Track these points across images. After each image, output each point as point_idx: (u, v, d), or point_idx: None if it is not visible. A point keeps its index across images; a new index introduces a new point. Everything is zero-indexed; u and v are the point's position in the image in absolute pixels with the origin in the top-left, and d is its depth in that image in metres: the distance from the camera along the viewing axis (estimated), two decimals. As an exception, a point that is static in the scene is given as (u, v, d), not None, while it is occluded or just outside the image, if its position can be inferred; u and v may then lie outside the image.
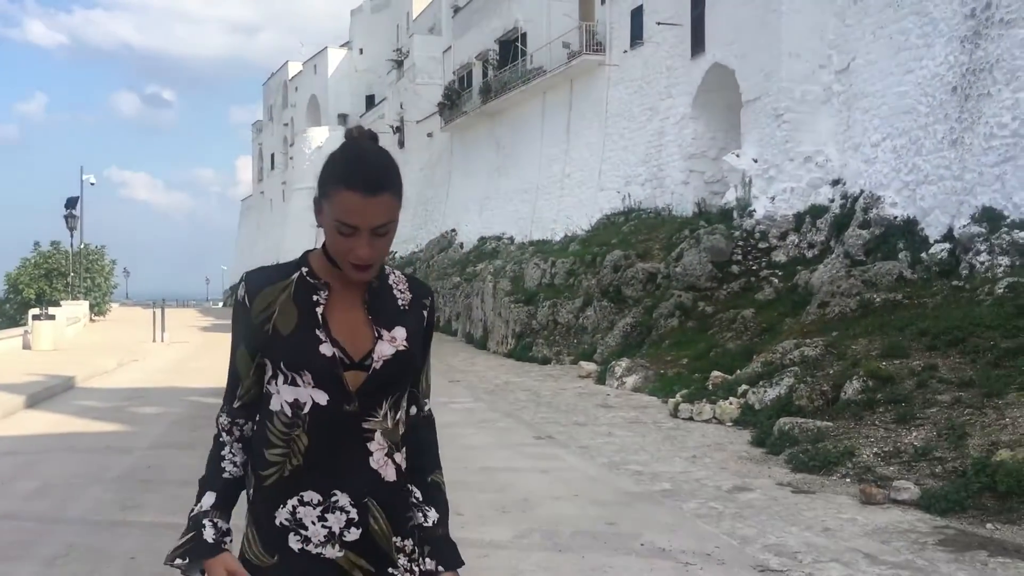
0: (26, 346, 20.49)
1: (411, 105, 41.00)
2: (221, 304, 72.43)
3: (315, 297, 1.84)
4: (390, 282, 1.93)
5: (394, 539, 1.88)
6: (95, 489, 6.97)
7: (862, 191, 14.85)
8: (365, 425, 1.84)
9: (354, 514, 1.83)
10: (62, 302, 28.91)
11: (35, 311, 22.49)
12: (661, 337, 15.15)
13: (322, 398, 1.81)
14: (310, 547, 1.83)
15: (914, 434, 7.21)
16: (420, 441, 2.00)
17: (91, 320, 33.86)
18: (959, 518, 5.75)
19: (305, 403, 1.82)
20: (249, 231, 74.64)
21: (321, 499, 1.83)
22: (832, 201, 15.83)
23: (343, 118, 51.73)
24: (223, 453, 1.91)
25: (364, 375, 1.82)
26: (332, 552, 1.83)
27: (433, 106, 37.30)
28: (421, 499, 1.96)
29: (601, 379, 13.81)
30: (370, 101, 51.52)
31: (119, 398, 12.71)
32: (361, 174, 1.77)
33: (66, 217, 31.21)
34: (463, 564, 1.97)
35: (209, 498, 1.87)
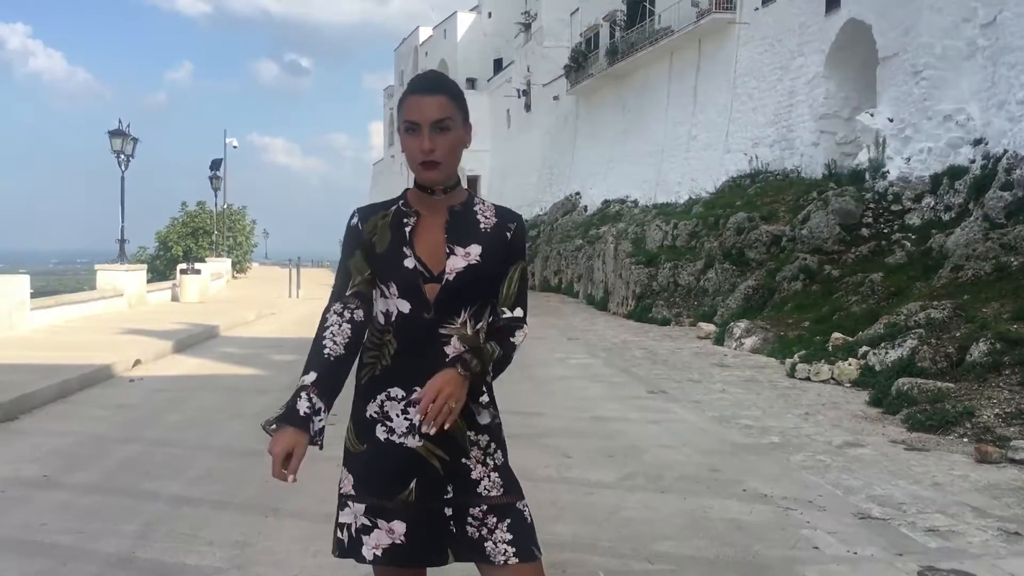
0: (174, 298, 21.95)
1: (538, 68, 41.06)
2: (353, 265, 74.75)
3: (405, 221, 2.15)
4: (475, 208, 2.21)
5: (468, 433, 2.13)
6: (235, 423, 7.55)
7: (1005, 151, 14.12)
8: (442, 331, 2.10)
9: None
10: (207, 259, 30.61)
11: (183, 266, 23.97)
12: (783, 300, 14.92)
13: (405, 307, 2.11)
14: (394, 437, 2.12)
15: (1040, 397, 6.98)
16: (496, 330, 2.17)
17: (233, 277, 35.69)
18: (1079, 479, 5.60)
19: (393, 312, 2.13)
20: (380, 194, 76.53)
21: (404, 395, 2.11)
22: (972, 162, 15.13)
23: (471, 82, 52.22)
24: (325, 332, 2.15)
25: (440, 287, 2.10)
26: (412, 442, 2.11)
27: (560, 69, 37.27)
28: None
29: (719, 340, 13.75)
30: (497, 65, 51.78)
31: (258, 346, 13.53)
32: (418, 80, 2.16)
33: (210, 178, 32.95)
34: (472, 369, 2.04)
35: (310, 376, 2.11)
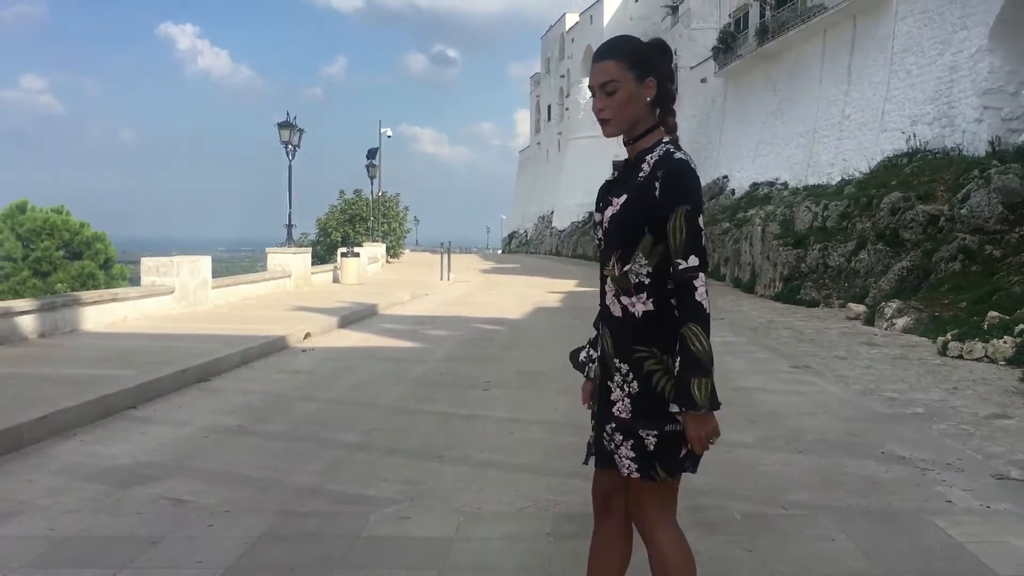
0: (335, 280, 23.33)
1: (685, 51, 40.69)
2: (500, 251, 76.11)
3: (613, 174, 2.59)
4: (646, 158, 2.42)
5: (615, 360, 2.47)
6: (398, 387, 8.22)
7: None
8: (603, 272, 2.51)
9: (602, 337, 2.56)
10: (363, 244, 32.09)
11: (343, 250, 25.36)
12: (940, 281, 14.50)
13: None
14: (593, 355, 2.65)
15: None
16: (680, 298, 2.34)
17: (387, 261, 37.21)
18: None
19: None
20: (526, 181, 77.55)
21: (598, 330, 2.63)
22: None
23: (617, 67, 52.12)
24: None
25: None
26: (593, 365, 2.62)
27: (707, 51, 36.87)
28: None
29: (869, 321, 13.54)
30: (644, 49, 51.46)
31: (414, 323, 14.34)
32: (598, 47, 2.50)
33: (367, 167, 34.46)
34: (695, 407, 2.24)
35: None
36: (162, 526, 4.19)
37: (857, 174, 22.33)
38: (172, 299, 13.78)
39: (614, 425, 2.45)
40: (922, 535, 4.01)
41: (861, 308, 14.62)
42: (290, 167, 20.92)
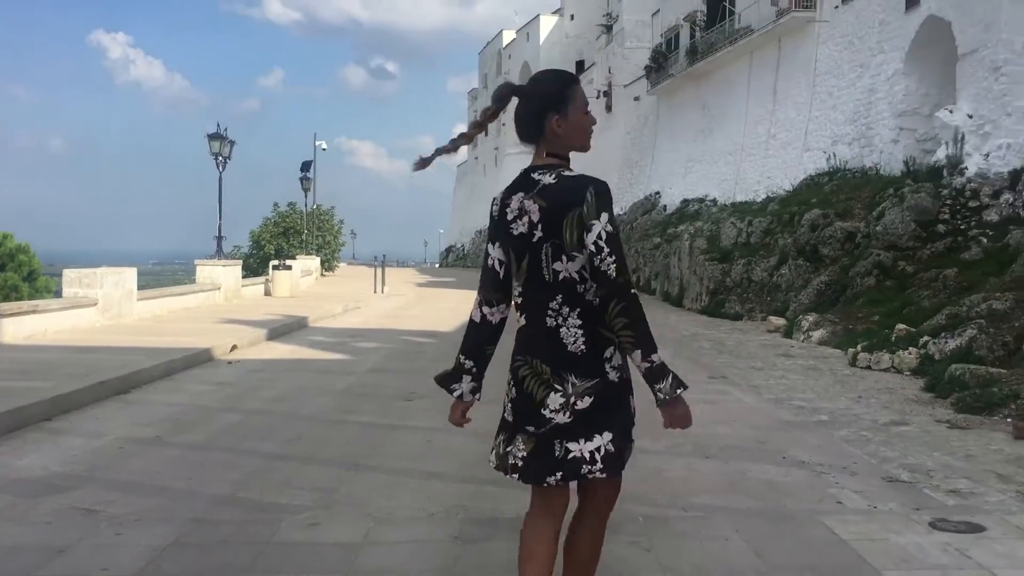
0: (267, 292, 23.11)
1: (619, 69, 41.35)
2: (438, 265, 76.05)
3: None
4: None
5: None
6: (322, 398, 8.25)
7: (1086, 146, 13.96)
8: None
9: None
10: (297, 257, 31.81)
11: (275, 262, 25.13)
12: (855, 296, 15.02)
13: None
14: None
15: (1089, 382, 7.16)
16: None
17: (321, 275, 36.91)
18: (1113, 455, 5.81)
19: None
20: (464, 196, 77.74)
21: None
22: (1053, 158, 14.96)
23: (553, 84, 52.60)
24: None
25: None
26: None
27: (640, 69, 37.50)
28: None
29: (788, 333, 13.97)
30: (579, 66, 52.18)
31: (344, 335, 14.33)
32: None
33: (301, 179, 34.23)
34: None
35: None
36: (70, 535, 4.19)
37: (781, 192, 22.98)
38: (95, 311, 13.56)
39: None
40: (811, 534, 4.23)
41: (781, 321, 15.07)
42: (220, 179, 20.77)
